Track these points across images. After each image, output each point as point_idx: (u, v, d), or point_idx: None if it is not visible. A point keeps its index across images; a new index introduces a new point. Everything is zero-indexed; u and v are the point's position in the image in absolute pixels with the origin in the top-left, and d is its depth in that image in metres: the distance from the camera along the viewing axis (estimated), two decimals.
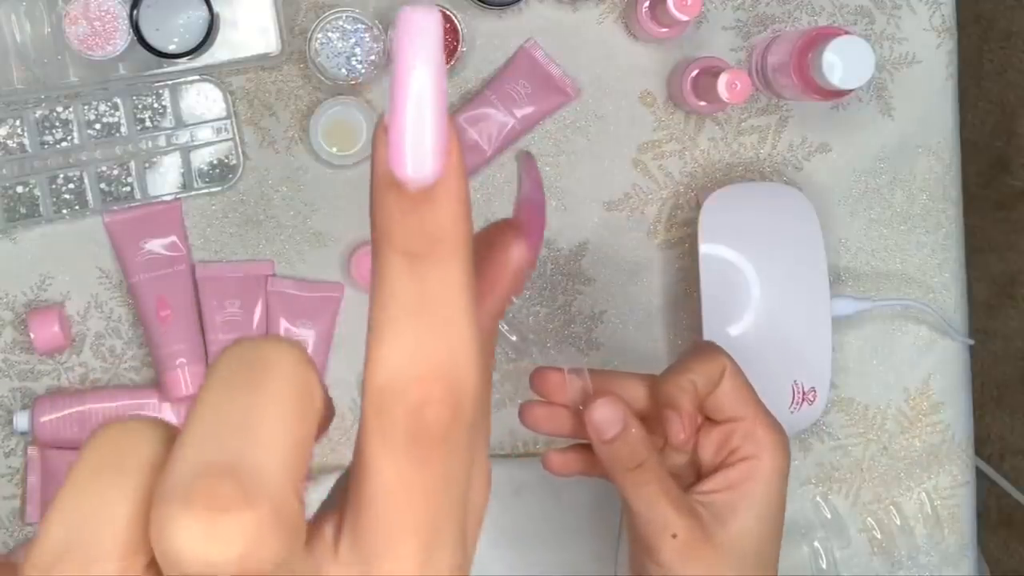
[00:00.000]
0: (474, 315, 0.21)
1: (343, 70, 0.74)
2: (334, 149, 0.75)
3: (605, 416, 0.51)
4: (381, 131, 0.20)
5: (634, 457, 0.51)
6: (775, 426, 0.54)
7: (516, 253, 0.25)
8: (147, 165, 0.75)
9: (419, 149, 0.19)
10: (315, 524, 0.22)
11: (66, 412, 0.74)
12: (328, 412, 0.22)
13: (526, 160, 0.28)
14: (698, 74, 0.75)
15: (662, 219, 0.79)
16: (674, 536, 0.50)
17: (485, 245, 0.25)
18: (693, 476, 0.55)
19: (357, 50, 0.74)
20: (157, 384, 0.75)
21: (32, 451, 0.74)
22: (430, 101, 0.19)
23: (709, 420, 0.55)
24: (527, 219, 0.26)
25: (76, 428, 0.74)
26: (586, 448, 0.55)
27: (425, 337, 0.20)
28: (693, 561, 0.50)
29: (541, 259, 0.78)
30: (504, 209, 0.78)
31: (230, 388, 0.20)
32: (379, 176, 0.20)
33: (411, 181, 0.20)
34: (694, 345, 0.57)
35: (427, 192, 0.20)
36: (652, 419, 0.54)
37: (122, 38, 0.71)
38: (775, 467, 0.52)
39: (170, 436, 0.20)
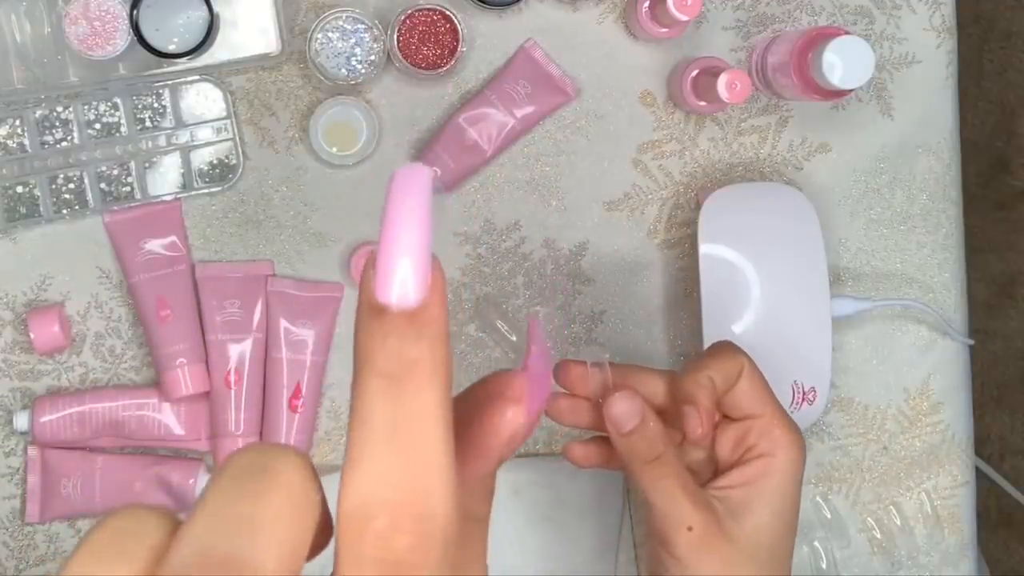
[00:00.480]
0: (450, 443, 0.22)
1: (343, 70, 0.74)
2: (334, 149, 0.75)
3: (623, 409, 0.52)
4: (370, 265, 0.22)
5: (651, 450, 0.51)
6: (791, 425, 0.54)
7: (511, 418, 0.26)
8: (147, 165, 0.75)
9: (404, 284, 0.21)
10: None
11: (66, 412, 0.74)
12: (325, 524, 0.23)
13: (534, 327, 0.29)
14: (698, 74, 0.75)
15: (662, 219, 0.79)
16: (690, 529, 0.51)
17: (485, 398, 0.26)
18: (710, 472, 0.56)
19: (357, 50, 0.73)
20: (157, 384, 0.75)
21: (32, 451, 0.74)
22: (416, 247, 0.21)
23: (727, 417, 0.56)
24: (529, 388, 0.27)
25: (76, 428, 0.74)
26: (607, 441, 0.55)
27: (396, 462, 0.21)
28: (708, 554, 0.51)
29: (541, 259, 0.78)
30: (503, 209, 0.78)
31: (236, 491, 0.21)
32: (364, 303, 0.22)
33: (394, 307, 0.22)
34: (713, 344, 0.57)
35: (409, 317, 0.22)
36: (671, 414, 0.55)
37: (122, 38, 0.71)
38: (790, 465, 0.53)
39: (174, 526, 0.21)
